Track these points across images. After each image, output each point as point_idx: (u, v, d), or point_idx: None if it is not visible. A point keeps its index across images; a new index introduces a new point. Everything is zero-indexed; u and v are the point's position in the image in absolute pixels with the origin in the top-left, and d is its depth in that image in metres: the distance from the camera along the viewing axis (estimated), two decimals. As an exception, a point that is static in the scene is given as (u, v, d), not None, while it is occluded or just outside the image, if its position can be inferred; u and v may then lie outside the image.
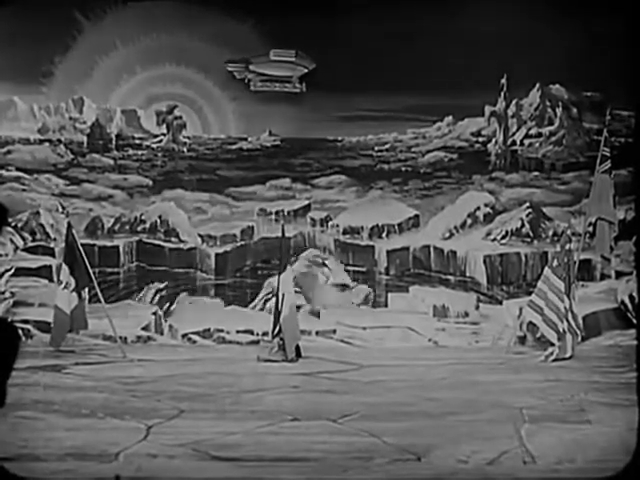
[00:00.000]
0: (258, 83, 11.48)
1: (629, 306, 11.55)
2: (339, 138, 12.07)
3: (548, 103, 12.12)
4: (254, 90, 11.59)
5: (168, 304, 11.78)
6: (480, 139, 12.15)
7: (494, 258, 11.93)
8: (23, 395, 8.19)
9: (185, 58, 11.84)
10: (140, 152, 12.12)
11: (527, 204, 12.00)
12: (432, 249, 12.00)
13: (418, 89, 11.58)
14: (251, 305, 11.79)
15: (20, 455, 6.59)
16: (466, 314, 11.75)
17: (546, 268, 10.48)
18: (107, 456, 6.60)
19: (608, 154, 10.77)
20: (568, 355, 10.19)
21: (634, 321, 11.32)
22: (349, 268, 11.99)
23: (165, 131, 12.12)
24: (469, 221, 12.06)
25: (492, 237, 12.03)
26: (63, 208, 11.12)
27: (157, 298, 11.79)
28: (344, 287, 11.86)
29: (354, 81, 11.51)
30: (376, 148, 12.09)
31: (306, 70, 11.58)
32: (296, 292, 10.89)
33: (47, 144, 12.05)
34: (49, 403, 8.17)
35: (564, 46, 11.16)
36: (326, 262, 11.80)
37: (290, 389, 8.96)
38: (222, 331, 11.64)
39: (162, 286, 11.83)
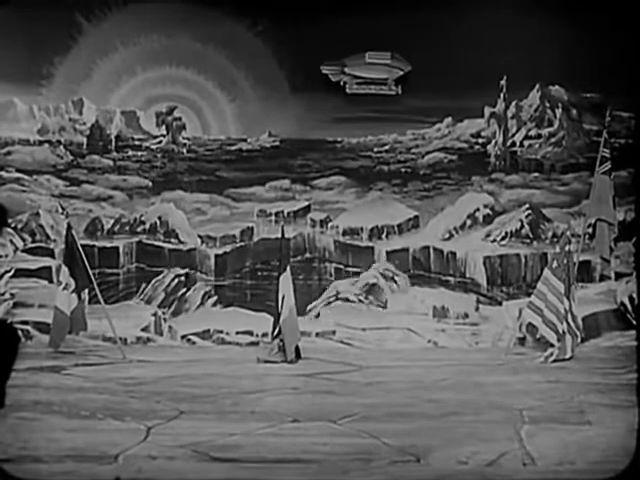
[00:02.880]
0: (354, 86, 11.47)
1: (629, 307, 11.56)
2: (339, 139, 12.07)
3: (548, 104, 12.11)
4: (350, 92, 11.59)
5: (184, 290, 11.81)
6: (480, 140, 12.14)
7: (494, 259, 11.93)
8: (22, 396, 8.19)
9: (185, 59, 11.83)
10: (140, 153, 12.12)
11: (527, 205, 12.00)
12: (432, 250, 12.00)
13: (417, 90, 11.60)
14: (310, 306, 11.76)
15: (19, 456, 6.58)
16: (466, 315, 11.76)
17: (546, 269, 10.49)
18: (107, 457, 6.60)
19: (608, 155, 10.77)
20: (568, 356, 10.20)
21: (634, 322, 11.32)
22: (348, 269, 11.99)
23: (165, 132, 12.11)
24: (469, 222, 12.06)
25: (492, 238, 12.03)
26: (63, 209, 11.10)
27: (175, 282, 11.80)
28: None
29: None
30: (375, 149, 12.09)
31: (402, 72, 11.55)
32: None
33: (47, 145, 12.05)
34: (49, 404, 8.17)
35: (564, 47, 11.16)
36: (396, 278, 11.81)
37: (290, 390, 8.95)
38: (222, 332, 11.65)
39: (182, 272, 11.86)
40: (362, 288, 11.89)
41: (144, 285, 11.83)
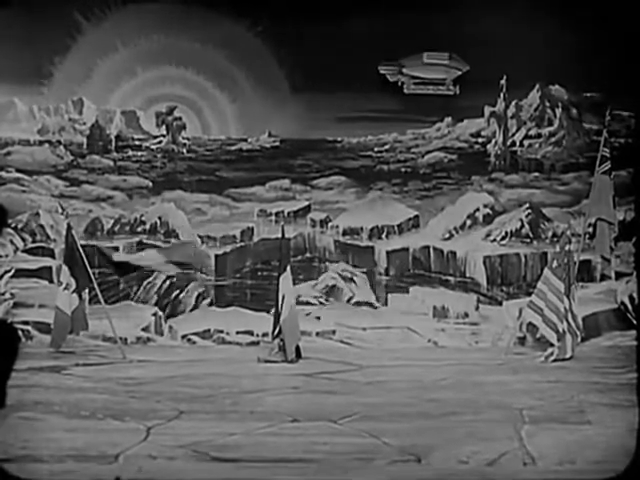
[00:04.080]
0: (412, 86, 11.45)
1: (629, 307, 11.56)
2: (339, 139, 12.07)
3: (548, 104, 12.12)
4: (407, 93, 11.57)
5: (178, 291, 11.81)
6: (480, 140, 12.15)
7: (494, 259, 11.93)
8: (23, 396, 8.19)
9: (185, 59, 11.84)
10: (140, 153, 12.12)
11: (527, 205, 12.01)
12: (432, 250, 12.00)
13: (418, 90, 11.64)
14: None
15: (20, 456, 6.58)
16: (466, 315, 11.75)
17: (546, 269, 10.49)
18: (107, 457, 6.60)
19: (608, 155, 10.77)
20: (568, 356, 10.20)
21: (634, 322, 11.32)
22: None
23: (165, 132, 12.11)
24: (469, 222, 12.06)
25: (492, 238, 12.03)
26: (63, 209, 11.10)
27: (167, 284, 11.80)
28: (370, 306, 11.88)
29: (354, 82, 11.54)
30: (376, 149, 12.09)
31: (459, 72, 11.52)
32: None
33: (47, 145, 12.05)
34: (49, 404, 8.17)
35: (564, 46, 11.16)
36: (355, 278, 11.80)
37: (290, 390, 8.96)
38: (222, 332, 11.65)
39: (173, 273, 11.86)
40: (322, 290, 11.88)
41: (136, 288, 11.83)
